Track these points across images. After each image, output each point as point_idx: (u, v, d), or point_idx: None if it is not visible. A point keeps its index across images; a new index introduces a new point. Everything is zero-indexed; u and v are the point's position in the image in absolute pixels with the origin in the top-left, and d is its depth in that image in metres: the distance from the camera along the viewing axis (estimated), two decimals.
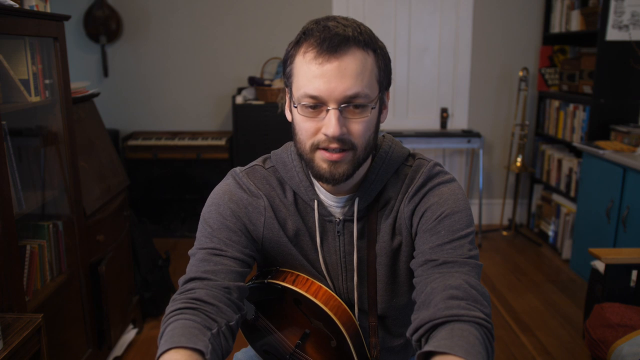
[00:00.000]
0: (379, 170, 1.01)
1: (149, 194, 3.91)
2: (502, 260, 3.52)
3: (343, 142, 0.90)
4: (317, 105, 0.89)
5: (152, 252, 2.86)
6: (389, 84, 0.97)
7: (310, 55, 0.88)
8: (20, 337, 1.37)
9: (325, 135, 0.89)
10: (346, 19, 0.92)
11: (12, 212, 1.54)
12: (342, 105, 0.88)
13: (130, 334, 2.52)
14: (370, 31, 0.93)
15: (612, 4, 3.05)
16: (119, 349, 2.37)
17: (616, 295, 2.05)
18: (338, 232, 1.03)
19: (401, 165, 1.03)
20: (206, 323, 0.87)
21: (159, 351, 0.82)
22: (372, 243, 1.03)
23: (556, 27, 3.75)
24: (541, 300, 2.95)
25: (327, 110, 0.89)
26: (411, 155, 1.06)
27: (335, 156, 0.91)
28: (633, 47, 3.10)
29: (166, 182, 3.89)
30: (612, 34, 3.09)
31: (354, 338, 1.04)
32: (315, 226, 1.03)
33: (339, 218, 1.03)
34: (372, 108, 0.91)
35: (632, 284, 2.06)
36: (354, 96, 0.88)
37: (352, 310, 1.07)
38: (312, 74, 0.88)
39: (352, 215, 1.02)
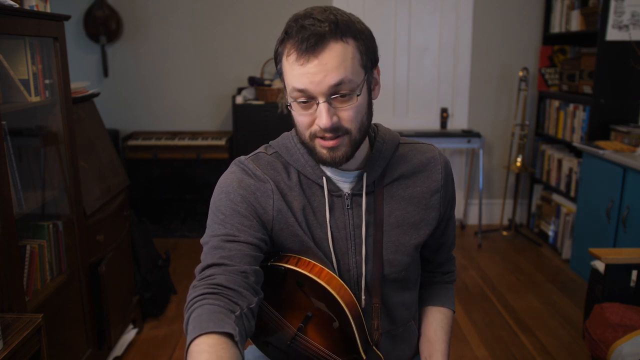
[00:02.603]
0: (382, 148, 1.09)
1: (149, 194, 3.91)
2: (502, 260, 3.52)
3: (337, 130, 0.96)
4: (308, 100, 0.95)
5: (152, 252, 2.86)
6: (375, 62, 1.02)
7: (292, 57, 0.94)
8: (20, 337, 1.37)
9: (319, 126, 0.96)
10: (324, 11, 0.94)
11: (12, 212, 1.54)
12: (331, 97, 0.94)
13: (130, 334, 2.52)
14: (348, 18, 0.95)
15: (612, 4, 3.05)
16: (119, 349, 2.37)
17: (616, 295, 2.05)
18: (348, 205, 1.07)
19: (399, 145, 1.12)
20: (229, 307, 0.89)
21: (189, 338, 0.83)
22: (379, 217, 1.08)
23: (556, 27, 3.75)
24: (541, 300, 2.95)
25: (318, 104, 0.95)
26: (400, 138, 1.15)
27: (331, 142, 0.97)
28: (633, 47, 3.10)
29: (166, 182, 3.89)
30: (612, 34, 3.09)
31: (356, 319, 1.05)
32: (324, 202, 1.07)
33: (347, 192, 1.07)
34: (358, 95, 0.96)
35: (632, 284, 2.07)
36: (339, 86, 0.93)
37: (359, 290, 1.09)
38: (297, 73, 0.94)
39: (361, 190, 1.07)
